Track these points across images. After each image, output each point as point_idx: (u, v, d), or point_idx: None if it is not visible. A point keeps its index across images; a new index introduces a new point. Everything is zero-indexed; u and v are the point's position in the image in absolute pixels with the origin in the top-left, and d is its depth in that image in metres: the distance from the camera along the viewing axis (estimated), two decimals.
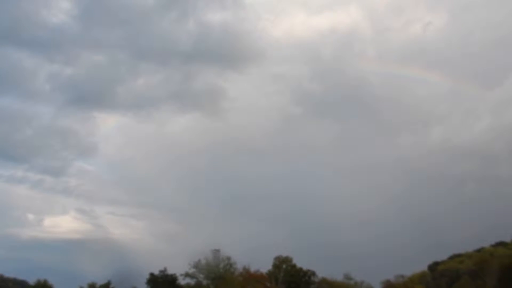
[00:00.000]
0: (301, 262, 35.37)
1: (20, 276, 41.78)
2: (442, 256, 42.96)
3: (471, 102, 56.54)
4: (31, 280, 36.85)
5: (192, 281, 34.95)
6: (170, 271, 35.16)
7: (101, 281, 35.43)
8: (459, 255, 43.21)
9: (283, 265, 35.95)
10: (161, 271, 35.85)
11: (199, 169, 66.23)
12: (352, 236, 44.31)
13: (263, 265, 35.02)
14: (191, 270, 34.24)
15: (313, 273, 36.66)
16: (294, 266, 36.21)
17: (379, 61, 60.21)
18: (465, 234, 43.72)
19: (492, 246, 41.75)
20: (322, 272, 35.73)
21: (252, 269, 35.08)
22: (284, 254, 35.50)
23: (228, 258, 34.55)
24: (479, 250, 41.68)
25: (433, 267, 43.72)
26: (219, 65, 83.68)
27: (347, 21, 78.11)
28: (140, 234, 61.30)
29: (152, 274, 35.86)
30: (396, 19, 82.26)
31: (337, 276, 35.85)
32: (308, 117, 61.37)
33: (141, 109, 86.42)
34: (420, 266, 41.80)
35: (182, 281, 35.20)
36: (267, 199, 53.32)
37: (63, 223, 66.39)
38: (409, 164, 51.97)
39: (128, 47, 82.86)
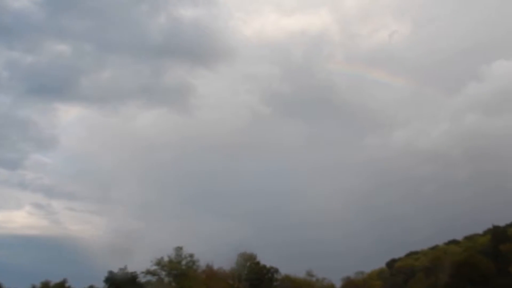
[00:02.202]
0: (266, 259, 36.61)
1: None
2: (401, 253, 45.58)
3: (433, 108, 60.25)
4: None
5: (153, 279, 35.09)
6: (131, 268, 35.27)
7: (56, 279, 34.94)
8: (415, 253, 45.78)
9: (247, 262, 36.75)
10: (121, 269, 35.83)
11: (165, 165, 66.02)
12: (317, 235, 46.27)
13: (227, 263, 35.76)
14: (153, 268, 34.57)
15: (276, 270, 37.71)
16: (257, 263, 37.09)
17: (347, 65, 62.53)
18: (423, 233, 46.42)
19: (446, 244, 44.41)
20: (286, 269, 37.11)
21: (216, 266, 35.80)
22: (249, 251, 36.44)
23: (191, 255, 34.89)
24: (433, 248, 44.18)
25: (391, 264, 45.92)
26: (189, 61, 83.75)
27: (318, 24, 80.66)
28: (100, 230, 59.84)
29: (111, 272, 35.70)
30: (364, 25, 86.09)
31: (300, 273, 37.12)
32: (278, 117, 62.98)
33: (107, 102, 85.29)
34: (380, 263, 44.07)
35: (143, 278, 35.33)
36: (234, 196, 54.09)
37: (17, 218, 65.58)
38: (375, 165, 54.39)
39: (95, 38, 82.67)
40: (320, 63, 66.70)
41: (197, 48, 72.98)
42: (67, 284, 36.07)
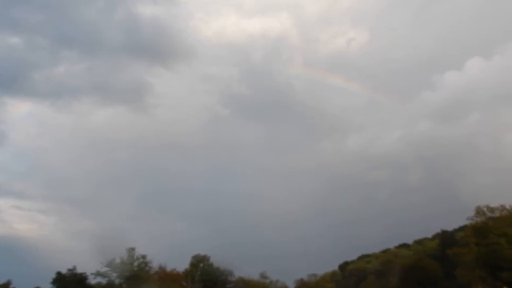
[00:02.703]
0: (220, 261, 36.16)
1: None
2: (353, 256, 46.78)
3: (387, 115, 62.03)
4: None
5: (103, 280, 34.06)
6: (80, 269, 34.31)
7: (0, 280, 33.25)
8: (367, 256, 46.89)
9: (200, 264, 36.37)
10: (69, 270, 34.61)
11: (119, 164, 64.68)
12: (272, 237, 46.81)
13: (181, 264, 35.32)
14: (103, 269, 33.55)
15: (230, 273, 37.54)
16: (211, 265, 36.77)
17: (306, 69, 63.49)
18: (376, 237, 47.65)
19: (397, 247, 45.71)
20: (240, 271, 36.88)
21: (169, 267, 35.30)
22: (203, 252, 36.14)
23: (144, 257, 34.18)
24: (385, 251, 45.38)
25: (343, 266, 46.83)
26: (147, 59, 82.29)
27: (278, 28, 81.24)
28: (48, 230, 58.61)
29: (59, 273, 34.41)
30: (323, 31, 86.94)
31: (254, 275, 37.13)
32: (236, 119, 63.19)
33: (60, 98, 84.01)
34: (333, 266, 44.84)
35: (92, 280, 34.27)
36: (189, 196, 53.78)
37: None
38: (330, 170, 55.61)
39: (50, 32, 79.70)
40: (280, 66, 67.57)
41: (155, 47, 72.03)
42: (11, 285, 34.63)
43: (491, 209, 29.95)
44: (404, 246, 44.80)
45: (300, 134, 62.73)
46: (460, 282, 31.93)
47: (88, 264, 33.91)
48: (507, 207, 29.78)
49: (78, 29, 73.79)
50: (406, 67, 65.67)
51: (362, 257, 47.17)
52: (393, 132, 60.52)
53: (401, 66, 65.73)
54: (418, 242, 43.77)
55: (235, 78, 68.36)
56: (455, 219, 40.13)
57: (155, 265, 34.20)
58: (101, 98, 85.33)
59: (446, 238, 37.47)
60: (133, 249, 34.99)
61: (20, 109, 77.30)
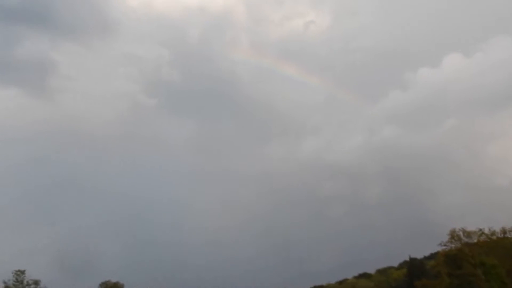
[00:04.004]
0: (132, 283, 34.05)
1: None
2: (303, 285, 45.19)
3: (348, 116, 61.02)
4: None
5: None
6: None
7: None
8: (320, 287, 46.02)
9: None
10: None
11: (12, 160, 59.37)
12: (198, 258, 42.74)
13: None
14: None
15: None
16: None
17: (254, 54, 61.79)
18: (330, 263, 46.54)
19: (355, 277, 45.12)
20: None
21: None
22: (114, 273, 33.96)
23: (36, 282, 31.91)
24: (341, 282, 44.68)
25: None
26: (53, 32, 77.34)
27: (220, 2, 79.00)
28: None
29: None
30: (276, 9, 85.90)
31: None
32: (163, 111, 59.96)
33: None
34: None
35: None
36: (98, 202, 50.13)
37: None
38: (277, 179, 53.59)
39: None
40: (221, 49, 65.32)
41: (64, 16, 68.21)
42: None
43: (468, 234, 30.20)
44: (364, 275, 44.28)
45: (242, 134, 60.93)
46: None
47: None
48: (486, 231, 30.17)
49: None
50: (373, 60, 65.51)
51: None
52: (354, 137, 59.32)
53: (368, 58, 65.44)
54: (382, 271, 43.54)
55: (164, 61, 65.44)
56: (425, 244, 41.22)
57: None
58: None
59: (414, 267, 37.04)
60: (22, 272, 32.91)
61: None
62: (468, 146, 57.72)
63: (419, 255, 39.34)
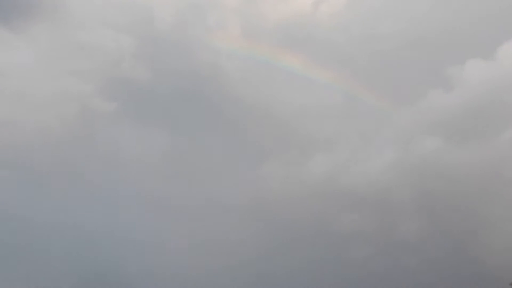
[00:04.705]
0: None
1: None
2: None
3: (372, 124, 48.62)
4: None
5: None
6: None
7: None
8: None
9: None
10: None
11: None
12: None
13: None
14: None
15: None
16: None
17: (245, 43, 50.10)
18: None
19: None
20: None
21: None
22: None
23: None
24: None
25: None
26: None
27: None
28: None
29: None
30: None
31: None
32: (125, 119, 47.29)
33: None
34: None
35: None
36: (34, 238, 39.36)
37: None
38: (276, 211, 41.87)
39: None
40: (203, 36, 52.64)
41: None
42: None
43: None
44: None
45: (230, 149, 48.40)
46: None
47: None
48: None
49: None
50: (406, 50, 52.90)
51: None
52: (381, 152, 47.60)
53: (398, 47, 52.83)
54: None
55: (127, 53, 51.85)
56: None
57: None
58: None
59: None
60: None
61: None
62: None
63: None
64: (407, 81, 51.83)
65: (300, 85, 48.77)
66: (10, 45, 61.52)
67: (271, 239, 42.22)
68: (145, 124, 47.27)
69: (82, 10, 53.75)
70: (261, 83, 48.43)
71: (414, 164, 45.72)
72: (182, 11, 52.42)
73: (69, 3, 60.08)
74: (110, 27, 51.06)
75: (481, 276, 38.15)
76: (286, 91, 48.23)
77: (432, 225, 44.37)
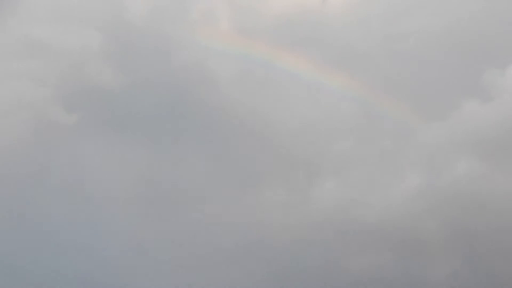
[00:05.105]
0: None
1: None
2: None
3: (394, 142, 40.97)
4: None
5: None
6: None
7: None
8: None
9: None
10: None
11: None
12: None
13: None
14: None
15: None
16: None
17: (238, 40, 42.92)
18: None
19: None
20: None
21: None
22: None
23: None
24: None
25: None
26: None
27: None
28: None
29: None
30: None
31: None
32: (89, 133, 39.99)
33: None
34: None
35: None
36: None
37: None
38: (274, 250, 34.25)
39: None
40: (185, 33, 45.47)
41: None
42: None
43: None
44: None
45: (217, 172, 41.18)
46: None
47: None
48: None
49: None
50: (434, 51, 45.87)
51: None
52: (404, 177, 40.32)
53: (425, 48, 45.93)
54: None
55: (92, 53, 44.62)
56: None
57: None
58: None
59: None
60: None
61: None
62: None
63: None
64: (436, 89, 43.82)
65: (305, 93, 41.27)
66: None
67: (266, 285, 35.25)
68: (114, 140, 39.50)
69: (37, 1, 45.97)
70: (257, 90, 40.86)
71: (445, 192, 38.26)
72: (160, 2, 44.89)
73: None
74: (72, 21, 43.38)
75: None
76: (288, 99, 40.75)
77: (470, 269, 37.75)
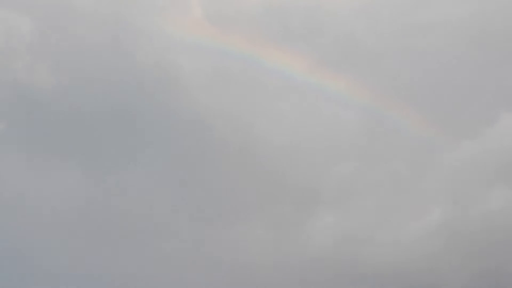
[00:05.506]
0: None
1: None
2: None
3: (408, 166, 34.28)
4: None
5: None
6: None
7: None
8: None
9: None
10: None
11: None
12: None
13: None
14: None
15: None
16: None
17: (217, 32, 36.40)
18: None
19: None
20: None
21: None
22: None
23: None
24: None
25: None
26: None
27: None
28: None
29: None
30: None
31: None
32: (16, 148, 32.97)
33: None
34: None
35: None
36: None
37: None
38: None
39: None
40: (147, 18, 38.35)
41: None
42: None
43: None
44: None
45: (183, 198, 34.83)
46: None
47: None
48: None
49: None
50: (461, 50, 39.77)
51: None
52: (423, 209, 34.16)
53: (449, 46, 39.67)
54: None
55: (22, 45, 37.93)
56: None
57: None
58: None
59: None
60: None
61: None
62: None
63: None
64: (465, 97, 37.40)
65: (298, 99, 34.74)
66: None
67: None
68: (48, 157, 32.15)
69: None
70: (237, 95, 33.68)
71: (473, 227, 33.25)
72: None
73: None
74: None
75: None
76: (277, 107, 33.84)
77: None
